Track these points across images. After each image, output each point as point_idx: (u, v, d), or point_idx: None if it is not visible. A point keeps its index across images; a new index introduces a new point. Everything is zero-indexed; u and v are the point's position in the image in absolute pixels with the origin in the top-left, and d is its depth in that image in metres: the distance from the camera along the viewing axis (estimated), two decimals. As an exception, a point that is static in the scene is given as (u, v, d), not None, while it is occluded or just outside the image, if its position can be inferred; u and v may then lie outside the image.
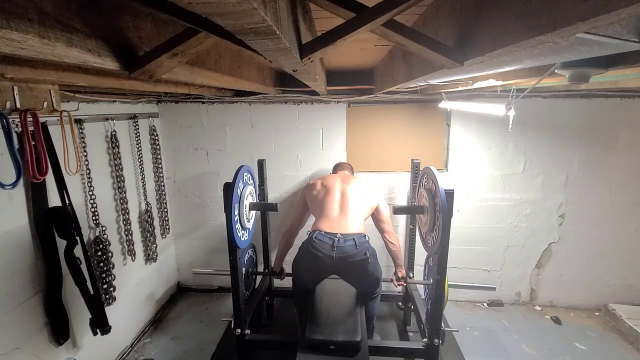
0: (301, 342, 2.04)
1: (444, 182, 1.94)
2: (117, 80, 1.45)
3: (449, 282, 2.29)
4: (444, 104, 2.65)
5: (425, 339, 2.18)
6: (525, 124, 3.00)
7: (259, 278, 2.98)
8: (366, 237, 2.23)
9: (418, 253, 3.04)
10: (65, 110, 1.87)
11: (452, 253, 2.49)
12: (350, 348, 1.95)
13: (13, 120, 1.63)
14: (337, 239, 2.16)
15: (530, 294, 3.35)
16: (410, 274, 3.00)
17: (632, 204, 3.06)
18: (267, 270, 3.02)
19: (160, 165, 3.15)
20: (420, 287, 2.99)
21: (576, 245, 3.18)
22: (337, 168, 2.84)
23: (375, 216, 2.48)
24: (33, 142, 1.70)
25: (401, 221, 3.26)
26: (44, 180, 1.83)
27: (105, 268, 2.36)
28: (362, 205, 2.38)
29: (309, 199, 2.50)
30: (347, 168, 2.81)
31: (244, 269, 2.34)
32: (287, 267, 2.59)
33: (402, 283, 2.51)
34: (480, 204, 3.19)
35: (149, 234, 2.99)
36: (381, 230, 2.47)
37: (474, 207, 3.20)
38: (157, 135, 3.11)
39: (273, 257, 3.18)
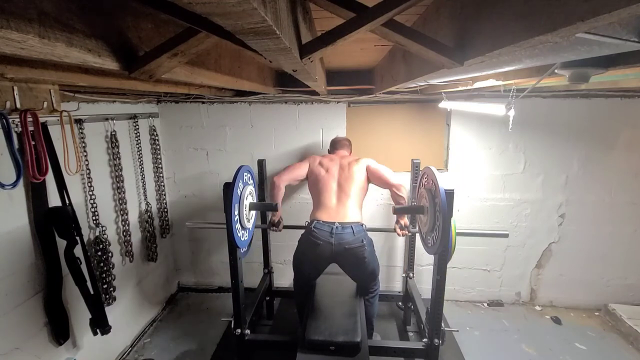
0: (301, 342, 2.03)
1: (444, 182, 1.94)
2: (117, 80, 1.45)
3: (457, 230, 2.20)
4: (444, 104, 2.65)
5: (425, 339, 2.19)
6: (525, 124, 3.00)
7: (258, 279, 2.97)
8: (363, 226, 2.28)
9: (418, 253, 3.04)
10: (65, 110, 1.87)
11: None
12: (350, 348, 1.95)
13: (13, 120, 1.63)
14: (335, 227, 2.21)
15: (530, 294, 3.35)
16: (410, 274, 3.00)
17: (632, 203, 3.06)
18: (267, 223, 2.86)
19: (160, 165, 3.15)
20: (421, 287, 3.00)
21: (576, 245, 3.18)
22: (335, 147, 2.74)
23: (374, 179, 2.46)
24: (33, 142, 1.70)
25: (401, 221, 3.25)
26: (44, 180, 1.83)
27: (105, 268, 2.36)
28: (358, 189, 2.40)
29: (311, 171, 2.51)
30: (345, 146, 2.73)
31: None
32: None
33: (406, 232, 2.43)
34: (480, 204, 3.19)
35: (149, 234, 2.99)
36: (389, 187, 2.43)
37: (474, 207, 3.20)
38: (157, 135, 3.11)
39: (273, 257, 3.19)
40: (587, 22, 0.46)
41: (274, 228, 2.55)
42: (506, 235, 2.41)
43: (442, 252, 2.00)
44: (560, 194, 3.11)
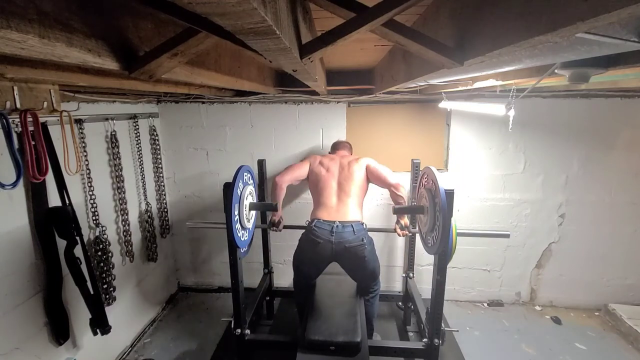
0: (301, 342, 2.04)
1: (444, 182, 1.94)
2: (117, 80, 1.45)
3: (457, 230, 2.19)
4: (444, 104, 2.65)
5: (425, 339, 2.18)
6: (525, 124, 2.99)
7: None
8: (364, 225, 2.30)
9: (418, 253, 3.04)
10: (65, 110, 1.87)
11: (452, 253, 2.48)
12: (350, 348, 1.96)
13: (13, 120, 1.63)
14: (335, 226, 2.23)
15: (530, 294, 3.35)
16: (410, 274, 3.00)
17: (632, 203, 3.06)
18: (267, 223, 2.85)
19: (160, 165, 3.15)
20: (421, 287, 3.00)
21: (576, 245, 3.18)
22: (336, 148, 2.79)
23: (373, 179, 2.46)
24: (33, 142, 1.70)
25: (401, 221, 3.26)
26: (44, 180, 1.83)
27: (105, 268, 2.36)
28: (358, 188, 2.41)
29: (311, 171, 2.52)
30: (346, 148, 2.78)
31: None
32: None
33: (406, 232, 2.44)
34: (480, 204, 3.19)
35: (149, 234, 2.99)
36: (387, 186, 2.44)
37: (474, 207, 3.20)
38: (157, 135, 3.11)
39: (273, 257, 3.19)
40: (587, 22, 0.46)
41: (274, 228, 2.55)
42: (507, 236, 2.36)
43: (442, 252, 2.00)
44: (560, 194, 3.11)
